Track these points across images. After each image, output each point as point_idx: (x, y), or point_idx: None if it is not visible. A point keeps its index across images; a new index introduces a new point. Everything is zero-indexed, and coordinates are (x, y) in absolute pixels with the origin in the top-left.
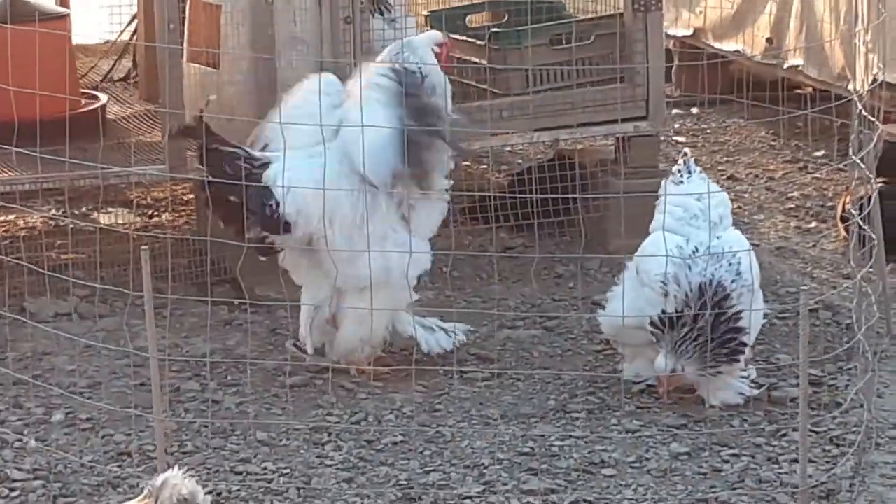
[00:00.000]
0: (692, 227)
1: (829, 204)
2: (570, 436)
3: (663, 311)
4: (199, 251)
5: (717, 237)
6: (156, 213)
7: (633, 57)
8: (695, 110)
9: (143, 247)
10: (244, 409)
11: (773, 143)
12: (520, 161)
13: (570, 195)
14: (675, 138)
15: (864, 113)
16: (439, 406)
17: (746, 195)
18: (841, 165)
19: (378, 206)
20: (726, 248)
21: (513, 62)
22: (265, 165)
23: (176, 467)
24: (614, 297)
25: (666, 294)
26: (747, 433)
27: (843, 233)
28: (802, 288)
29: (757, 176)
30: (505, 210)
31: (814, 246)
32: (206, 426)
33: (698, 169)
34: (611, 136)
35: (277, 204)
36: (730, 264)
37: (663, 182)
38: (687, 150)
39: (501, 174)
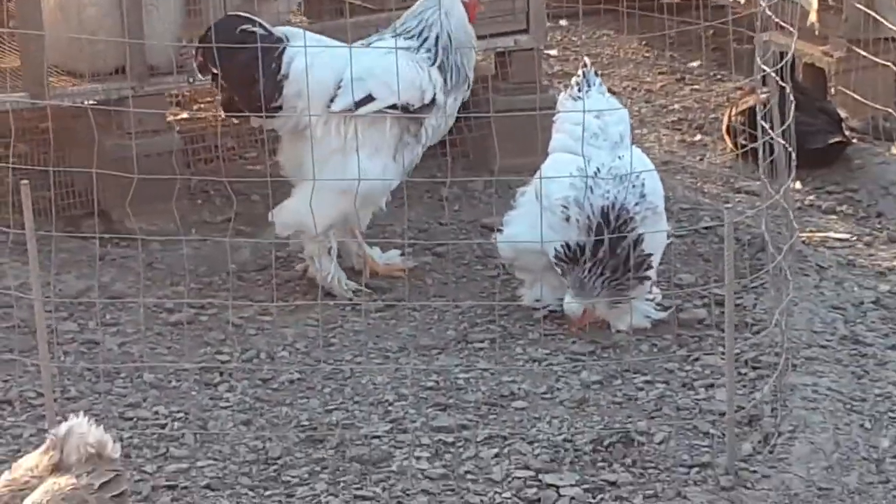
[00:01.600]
0: (592, 146)
1: (713, 116)
2: (475, 367)
3: (567, 244)
4: (65, 183)
5: (619, 157)
6: (14, 144)
7: None
8: (563, 22)
9: (24, 181)
10: (127, 349)
11: (646, 54)
12: None
13: None
14: (546, 52)
15: (778, 22)
16: (334, 340)
17: (626, 109)
18: (756, 77)
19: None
20: (629, 169)
21: None
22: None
23: (81, 414)
24: (512, 220)
25: (567, 218)
26: (658, 359)
27: (731, 145)
28: (725, 206)
29: (635, 89)
30: None
31: (701, 159)
32: (89, 370)
33: (598, 81)
34: (490, 52)
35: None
36: (633, 186)
37: (560, 97)
38: (587, 59)
39: None
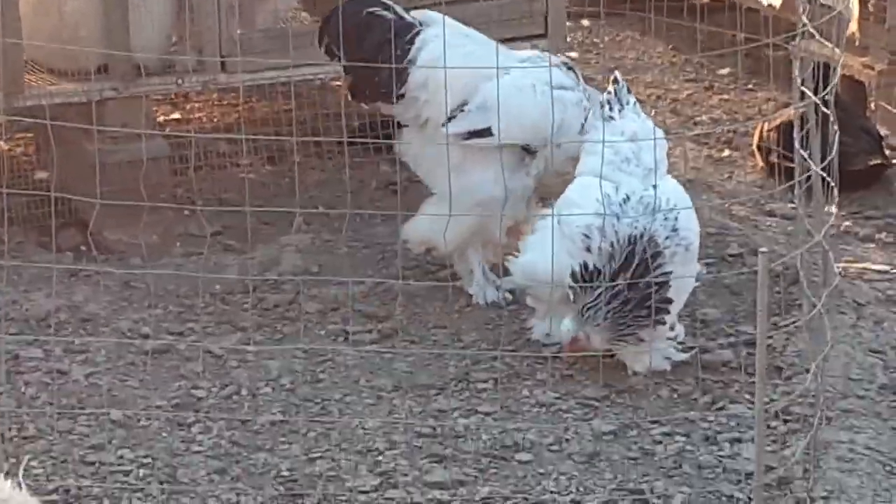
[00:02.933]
0: (623, 172)
1: (742, 129)
2: (477, 411)
3: (585, 264)
4: (41, 189)
5: (653, 186)
6: None
7: None
8: (585, 23)
9: None
10: (95, 381)
11: (673, 59)
12: None
13: None
14: (567, 54)
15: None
16: (323, 375)
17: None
18: (794, 94)
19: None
20: (662, 200)
21: None
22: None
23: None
24: (529, 246)
25: (588, 248)
26: (678, 406)
27: (761, 163)
28: (761, 250)
29: (659, 97)
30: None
31: (728, 177)
32: (51, 403)
33: (632, 100)
34: None
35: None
36: (665, 218)
37: (588, 116)
38: (617, 74)
39: None
